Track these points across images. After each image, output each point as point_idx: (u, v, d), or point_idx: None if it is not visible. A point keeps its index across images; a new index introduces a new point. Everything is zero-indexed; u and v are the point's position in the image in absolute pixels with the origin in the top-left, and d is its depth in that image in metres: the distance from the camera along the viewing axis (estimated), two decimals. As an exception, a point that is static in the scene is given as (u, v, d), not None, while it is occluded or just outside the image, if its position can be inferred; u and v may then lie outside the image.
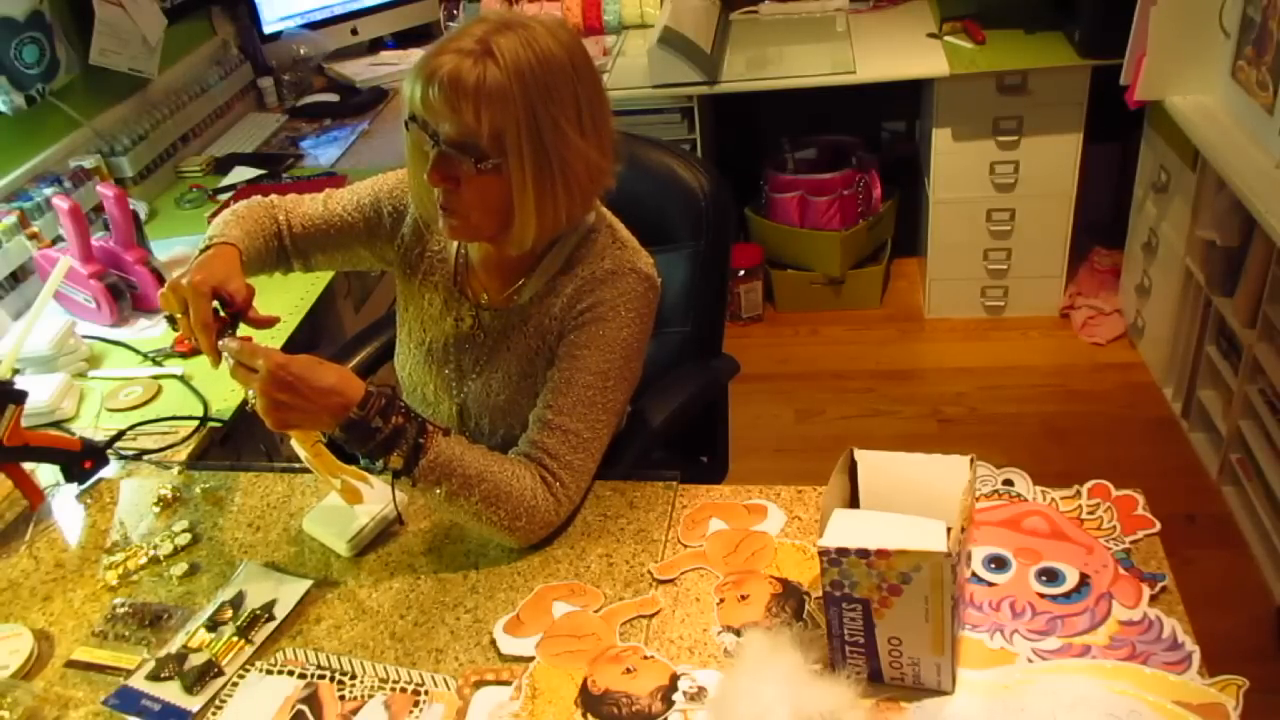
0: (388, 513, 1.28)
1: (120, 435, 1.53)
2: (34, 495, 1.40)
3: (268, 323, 1.30)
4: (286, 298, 1.89)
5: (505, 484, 1.18)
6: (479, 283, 1.37)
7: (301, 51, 2.96)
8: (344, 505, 1.25)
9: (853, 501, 1.07)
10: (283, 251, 1.44)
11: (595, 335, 1.25)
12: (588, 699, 1.03)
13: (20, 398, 1.35)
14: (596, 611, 1.14)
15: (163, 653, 1.14)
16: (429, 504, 1.22)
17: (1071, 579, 1.08)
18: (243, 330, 1.25)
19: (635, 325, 1.27)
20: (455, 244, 1.38)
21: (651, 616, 1.13)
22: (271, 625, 1.16)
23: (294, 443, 1.21)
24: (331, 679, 1.09)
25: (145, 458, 1.49)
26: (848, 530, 0.95)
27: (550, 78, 1.13)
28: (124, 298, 1.88)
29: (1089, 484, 1.20)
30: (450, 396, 1.41)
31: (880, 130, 3.50)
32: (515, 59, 1.12)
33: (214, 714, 1.07)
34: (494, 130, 1.13)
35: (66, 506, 1.41)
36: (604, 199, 1.36)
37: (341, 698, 1.07)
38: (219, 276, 1.24)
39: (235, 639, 1.14)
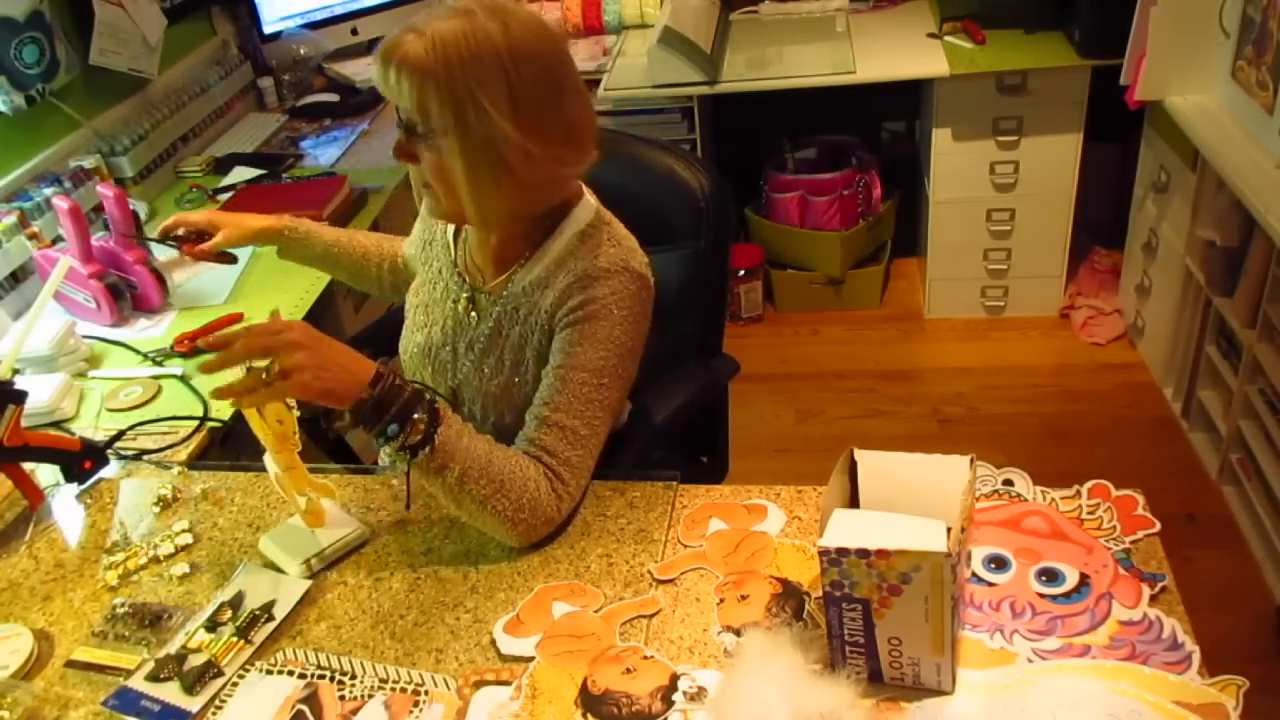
0: (350, 538, 1.26)
1: (120, 435, 1.53)
2: (34, 495, 1.40)
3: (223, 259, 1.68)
4: (286, 297, 1.89)
5: (511, 471, 1.19)
6: (476, 267, 1.39)
7: (301, 51, 2.96)
8: (304, 528, 1.25)
9: (853, 501, 1.07)
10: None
11: (589, 333, 1.26)
12: (588, 699, 1.03)
13: (20, 398, 1.35)
14: (596, 611, 1.13)
15: (162, 653, 1.14)
16: (435, 488, 1.20)
17: (1071, 579, 1.08)
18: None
19: (629, 324, 1.28)
20: (452, 226, 1.42)
21: (651, 616, 1.13)
22: (271, 625, 1.16)
23: (266, 459, 1.22)
24: (331, 679, 1.09)
25: (145, 458, 1.49)
26: (848, 530, 0.95)
27: (477, 58, 1.14)
28: (124, 298, 1.88)
29: (1089, 484, 1.20)
30: (445, 380, 1.42)
31: (880, 130, 3.50)
32: (443, 37, 1.14)
33: (214, 714, 1.07)
34: (420, 103, 1.17)
35: (66, 506, 1.41)
36: (605, 200, 1.37)
37: (341, 698, 1.07)
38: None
39: (235, 639, 1.14)
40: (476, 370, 1.37)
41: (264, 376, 1.10)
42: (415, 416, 1.14)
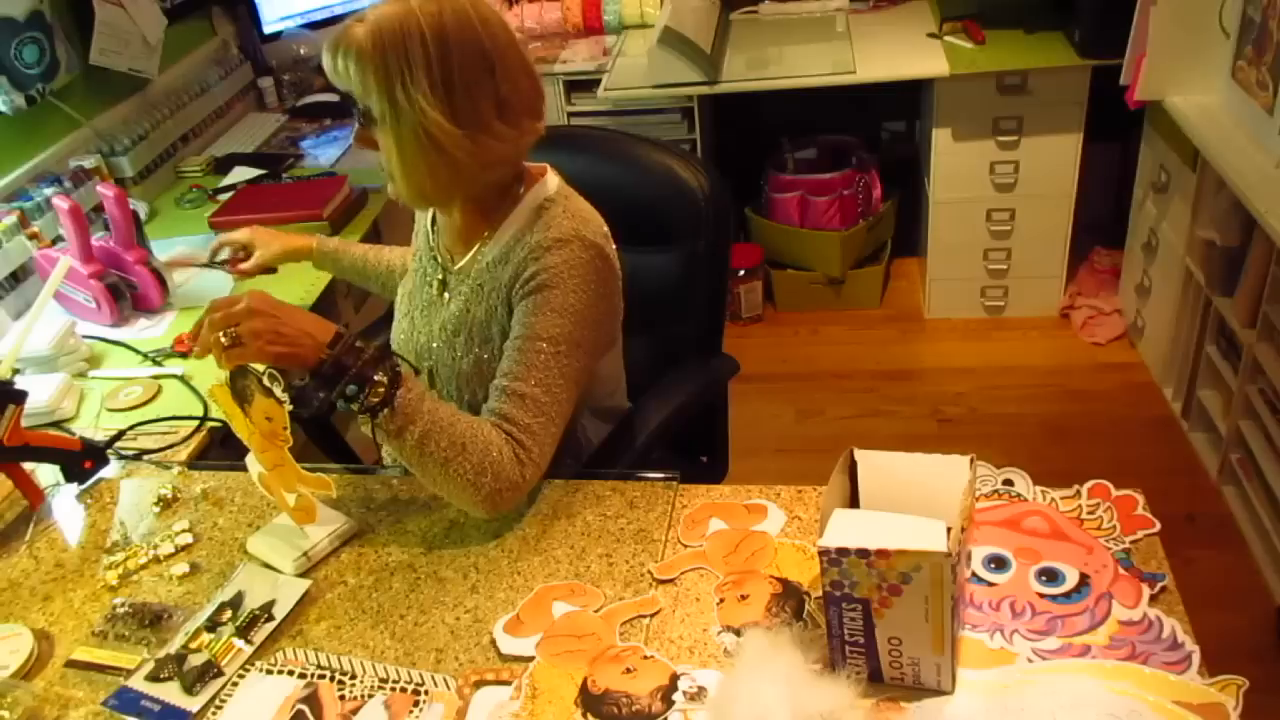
0: (338, 532, 1.27)
1: (120, 435, 1.54)
2: (34, 495, 1.40)
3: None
4: (287, 297, 1.88)
5: (473, 435, 1.20)
6: (447, 249, 1.41)
7: (301, 51, 2.96)
8: (293, 525, 1.25)
9: (853, 501, 1.07)
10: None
11: (543, 302, 1.27)
12: (588, 699, 1.03)
13: (20, 398, 1.35)
14: (596, 611, 1.14)
15: (162, 653, 1.13)
16: (399, 452, 1.20)
17: (1071, 579, 1.08)
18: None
19: (583, 292, 1.28)
20: (430, 213, 1.44)
21: (651, 616, 1.13)
22: (271, 625, 1.16)
23: (249, 460, 1.22)
24: (331, 679, 1.09)
25: (145, 458, 1.49)
26: (848, 530, 0.95)
27: (406, 39, 1.17)
28: (124, 298, 1.88)
29: (1089, 484, 1.20)
30: (424, 362, 1.44)
31: (880, 130, 3.50)
32: (380, 21, 1.18)
33: (214, 714, 1.07)
34: (361, 86, 1.20)
35: (66, 506, 1.41)
36: (605, 199, 1.36)
37: (341, 698, 1.07)
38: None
39: (235, 639, 1.14)
40: (449, 350, 1.38)
41: (223, 341, 1.12)
42: (375, 378, 1.15)
